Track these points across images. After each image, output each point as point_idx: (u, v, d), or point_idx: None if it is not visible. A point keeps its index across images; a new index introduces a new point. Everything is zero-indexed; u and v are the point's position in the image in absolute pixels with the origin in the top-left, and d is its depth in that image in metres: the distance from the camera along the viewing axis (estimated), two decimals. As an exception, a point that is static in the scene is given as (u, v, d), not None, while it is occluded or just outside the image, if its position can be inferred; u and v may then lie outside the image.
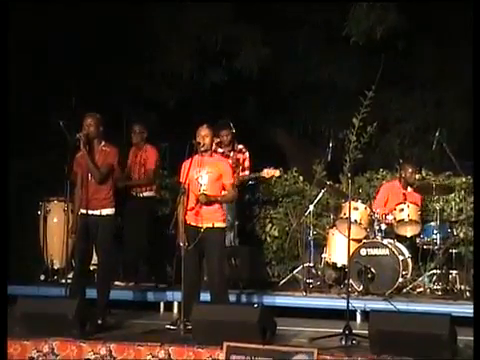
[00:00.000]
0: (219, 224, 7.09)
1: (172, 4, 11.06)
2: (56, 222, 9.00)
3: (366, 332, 6.14)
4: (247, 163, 8.88)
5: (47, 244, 9.02)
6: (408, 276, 8.49)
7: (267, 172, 8.63)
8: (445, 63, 11.66)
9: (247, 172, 8.84)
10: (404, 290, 8.39)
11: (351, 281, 7.99)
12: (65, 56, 10.37)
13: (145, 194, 8.93)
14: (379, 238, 8.54)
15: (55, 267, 9.02)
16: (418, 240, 8.72)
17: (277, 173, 8.69)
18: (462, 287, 8.32)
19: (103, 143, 7.39)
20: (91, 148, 7.34)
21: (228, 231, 8.58)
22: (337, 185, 9.52)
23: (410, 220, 8.63)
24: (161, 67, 11.27)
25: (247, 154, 8.91)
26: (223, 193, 7.13)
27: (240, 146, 8.93)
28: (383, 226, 8.62)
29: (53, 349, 6.42)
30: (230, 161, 8.71)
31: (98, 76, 10.65)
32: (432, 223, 8.70)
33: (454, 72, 11.66)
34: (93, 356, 6.35)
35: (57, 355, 6.40)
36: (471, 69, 11.36)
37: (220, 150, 8.82)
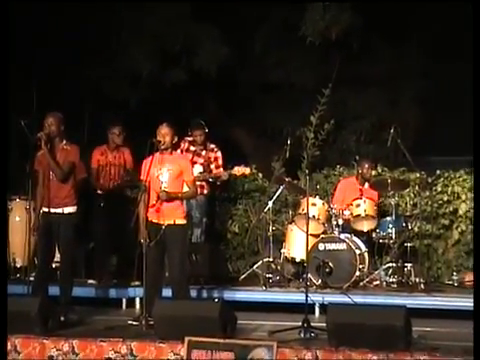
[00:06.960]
0: (180, 221, 7.17)
1: (132, 3, 11.09)
2: (18, 220, 9.03)
3: (324, 325, 6.24)
4: (220, 161, 8.95)
5: (9, 242, 9.00)
6: (365, 270, 8.65)
7: (237, 170, 8.74)
8: (399, 62, 11.87)
9: (221, 169, 8.90)
10: (361, 283, 8.54)
11: (309, 275, 8.12)
12: (26, 55, 10.34)
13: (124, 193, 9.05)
14: (336, 233, 8.69)
15: (17, 265, 9.02)
16: (374, 234, 8.90)
17: (247, 171, 8.82)
18: (417, 280, 8.50)
19: (64, 142, 7.45)
20: (52, 147, 7.39)
21: (195, 227, 8.70)
22: (295, 181, 9.66)
23: (366, 215, 8.80)
24: (121, 66, 11.29)
25: (219, 153, 8.98)
26: (184, 190, 7.24)
27: (212, 145, 9.00)
28: (340, 221, 8.77)
29: (16, 346, 6.42)
30: (201, 160, 8.85)
31: (59, 75, 10.63)
32: (388, 218, 8.90)
33: (408, 71, 11.88)
34: (56, 353, 6.37)
35: (20, 352, 6.41)
36: (423, 69, 11.65)
37: (192, 148, 8.92)
